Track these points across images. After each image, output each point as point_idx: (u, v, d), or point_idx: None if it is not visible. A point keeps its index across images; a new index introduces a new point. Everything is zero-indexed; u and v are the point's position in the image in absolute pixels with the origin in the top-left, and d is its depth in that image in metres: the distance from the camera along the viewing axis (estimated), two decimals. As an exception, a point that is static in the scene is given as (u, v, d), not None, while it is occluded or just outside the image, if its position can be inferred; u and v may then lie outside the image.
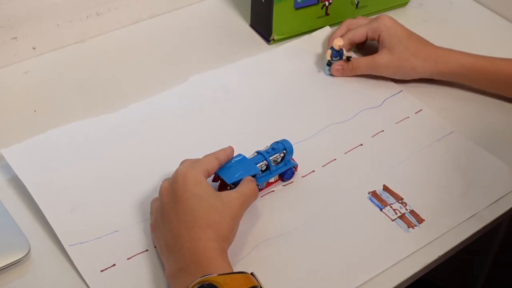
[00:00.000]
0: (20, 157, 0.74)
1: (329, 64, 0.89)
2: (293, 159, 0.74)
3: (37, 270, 0.65)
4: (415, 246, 0.68)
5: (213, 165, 0.67)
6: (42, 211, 0.68)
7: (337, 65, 0.89)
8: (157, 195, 0.67)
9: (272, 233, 0.69)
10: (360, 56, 0.91)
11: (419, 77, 0.88)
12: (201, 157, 0.68)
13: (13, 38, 0.87)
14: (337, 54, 0.88)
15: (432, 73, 0.87)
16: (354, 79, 0.90)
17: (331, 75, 0.90)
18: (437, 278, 0.99)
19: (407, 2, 1.06)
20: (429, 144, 0.80)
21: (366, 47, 0.93)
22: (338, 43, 0.88)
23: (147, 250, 0.66)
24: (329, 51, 0.89)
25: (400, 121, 0.83)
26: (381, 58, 0.87)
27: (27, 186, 0.70)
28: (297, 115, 0.83)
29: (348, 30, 0.91)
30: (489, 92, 0.88)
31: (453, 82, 0.89)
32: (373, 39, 0.89)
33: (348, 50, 0.90)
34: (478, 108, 0.86)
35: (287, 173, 0.73)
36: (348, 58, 0.89)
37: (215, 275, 0.56)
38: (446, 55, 0.86)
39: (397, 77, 0.89)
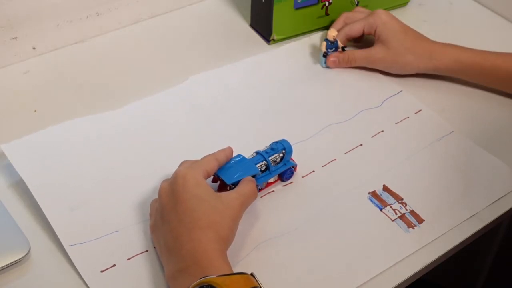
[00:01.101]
0: (20, 153, 0.74)
1: (325, 55, 0.90)
2: (292, 159, 0.74)
3: (37, 270, 0.65)
4: (415, 246, 0.68)
5: (213, 166, 0.67)
6: (42, 208, 0.68)
7: (333, 56, 0.89)
8: (156, 195, 0.67)
9: (272, 233, 0.69)
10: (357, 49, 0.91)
11: (415, 72, 0.89)
12: (200, 157, 0.68)
13: (13, 38, 0.87)
14: (332, 45, 0.89)
15: (426, 69, 0.87)
16: (354, 79, 0.90)
17: (327, 67, 0.90)
18: (437, 278, 0.99)
19: (407, 2, 1.05)
20: (429, 144, 0.80)
21: (364, 41, 0.93)
22: (332, 33, 0.88)
23: (147, 251, 0.66)
24: (324, 43, 0.89)
25: (400, 121, 0.83)
26: (376, 52, 0.88)
27: (26, 183, 0.70)
28: (297, 115, 0.83)
29: (345, 25, 0.91)
30: (488, 92, 0.88)
31: (452, 80, 0.89)
32: (369, 34, 0.89)
33: (344, 45, 0.90)
34: (478, 108, 0.86)
35: (286, 173, 0.73)
36: (343, 48, 0.90)
37: (215, 276, 0.55)
38: (441, 50, 0.86)
39: (392, 71, 0.89)
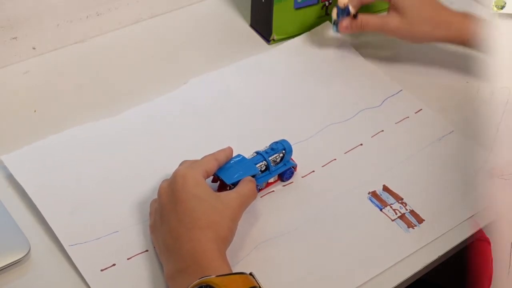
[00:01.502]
0: (20, 163, 0.73)
1: (335, 23, 0.89)
2: (292, 159, 0.74)
3: (37, 270, 0.65)
4: (415, 246, 0.68)
5: (212, 166, 0.67)
6: (44, 216, 0.68)
7: (345, 22, 0.87)
8: (156, 195, 0.67)
9: (272, 233, 0.69)
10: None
11: (429, 42, 0.88)
12: (200, 157, 0.68)
13: (13, 38, 0.87)
14: (343, 12, 0.87)
15: (443, 40, 0.86)
16: (354, 78, 0.89)
17: (339, 33, 0.89)
18: (437, 278, 0.99)
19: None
20: (429, 143, 0.80)
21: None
22: (342, 1, 0.86)
23: (147, 251, 0.66)
24: (335, 10, 0.88)
25: (400, 121, 0.83)
26: (391, 20, 0.86)
27: (28, 193, 0.70)
28: (296, 115, 0.83)
29: None
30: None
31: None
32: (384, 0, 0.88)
33: (356, 11, 0.88)
34: (478, 108, 0.86)
35: (286, 173, 0.73)
36: (355, 16, 0.88)
37: (213, 276, 0.55)
38: (459, 23, 0.84)
39: (405, 40, 0.88)
